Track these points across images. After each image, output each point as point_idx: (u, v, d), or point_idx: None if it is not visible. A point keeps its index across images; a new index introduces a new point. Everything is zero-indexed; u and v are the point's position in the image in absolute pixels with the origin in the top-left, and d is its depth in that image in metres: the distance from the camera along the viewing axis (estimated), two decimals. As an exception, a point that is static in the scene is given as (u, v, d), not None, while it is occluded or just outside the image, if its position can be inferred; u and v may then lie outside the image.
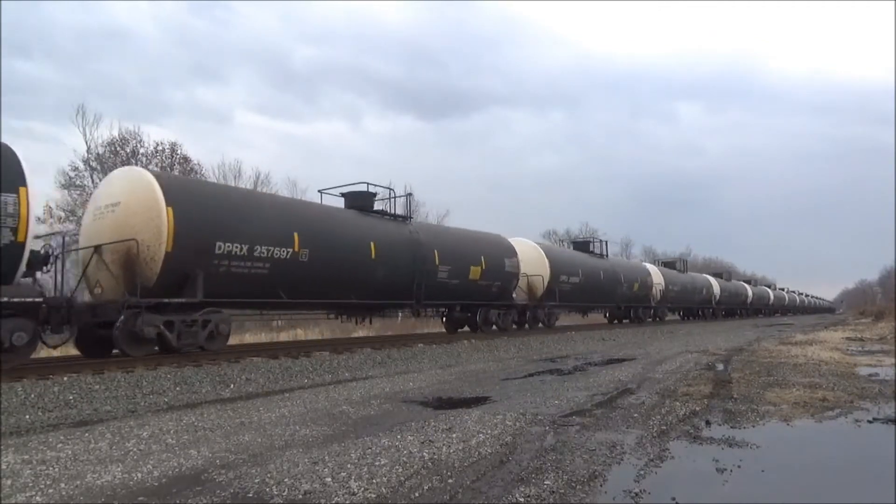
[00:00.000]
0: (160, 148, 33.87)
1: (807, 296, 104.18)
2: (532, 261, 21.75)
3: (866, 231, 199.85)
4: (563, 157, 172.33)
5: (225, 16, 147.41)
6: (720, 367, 10.12)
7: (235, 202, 12.41)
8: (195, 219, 11.05)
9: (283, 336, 23.97)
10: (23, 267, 9.22)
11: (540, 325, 22.25)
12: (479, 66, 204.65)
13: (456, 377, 9.16)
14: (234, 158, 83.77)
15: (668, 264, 39.91)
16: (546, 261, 22.18)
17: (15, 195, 8.96)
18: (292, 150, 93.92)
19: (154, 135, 72.71)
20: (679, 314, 42.18)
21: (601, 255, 28.29)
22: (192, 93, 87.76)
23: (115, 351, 10.93)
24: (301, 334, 24.37)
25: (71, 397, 7.33)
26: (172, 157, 34.11)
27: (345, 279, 13.93)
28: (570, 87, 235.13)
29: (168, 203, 10.69)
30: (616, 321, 30.79)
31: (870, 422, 5.59)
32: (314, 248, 12.96)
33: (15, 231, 8.93)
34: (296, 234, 12.65)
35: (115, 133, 32.98)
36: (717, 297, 43.62)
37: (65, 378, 8.36)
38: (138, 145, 33.16)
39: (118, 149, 32.43)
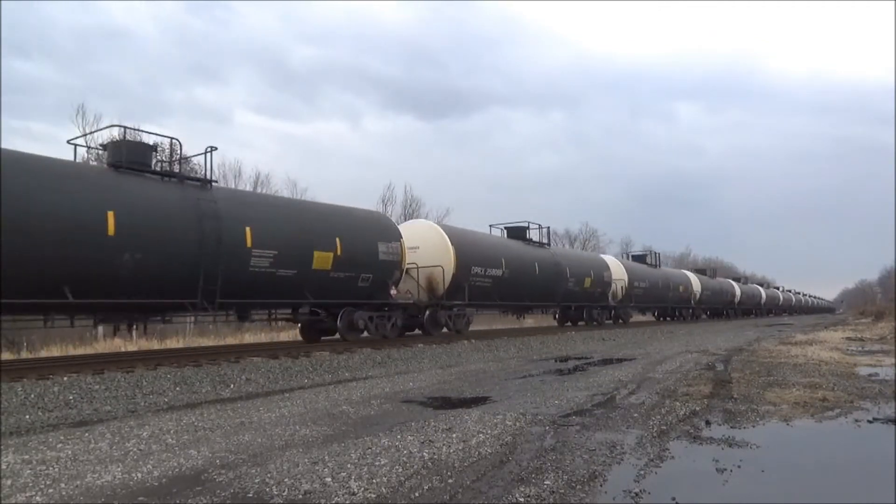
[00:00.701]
0: (160, 148, 33.87)
1: (804, 295, 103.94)
2: (431, 248, 17.41)
3: (866, 231, 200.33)
4: (563, 157, 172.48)
5: (224, 15, 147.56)
6: (720, 367, 10.12)
7: None
8: None
9: (283, 336, 23.98)
10: None
11: (444, 330, 17.97)
12: (479, 65, 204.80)
13: (456, 377, 9.16)
14: (234, 158, 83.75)
15: (637, 258, 35.62)
16: (450, 248, 17.39)
17: None
18: (292, 150, 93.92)
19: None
20: (654, 315, 38.06)
21: (541, 244, 23.36)
22: (192, 93, 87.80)
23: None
24: (301, 334, 24.35)
25: (71, 397, 7.33)
26: (172, 156, 34.13)
27: (48, 266, 9.55)
28: (570, 87, 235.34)
29: None
30: (570, 323, 26.53)
31: (870, 422, 5.58)
32: None
33: None
34: None
35: (115, 133, 32.99)
36: (698, 295, 39.49)
37: (65, 378, 8.36)
38: (138, 145, 33.15)
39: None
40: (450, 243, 17.60)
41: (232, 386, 8.58)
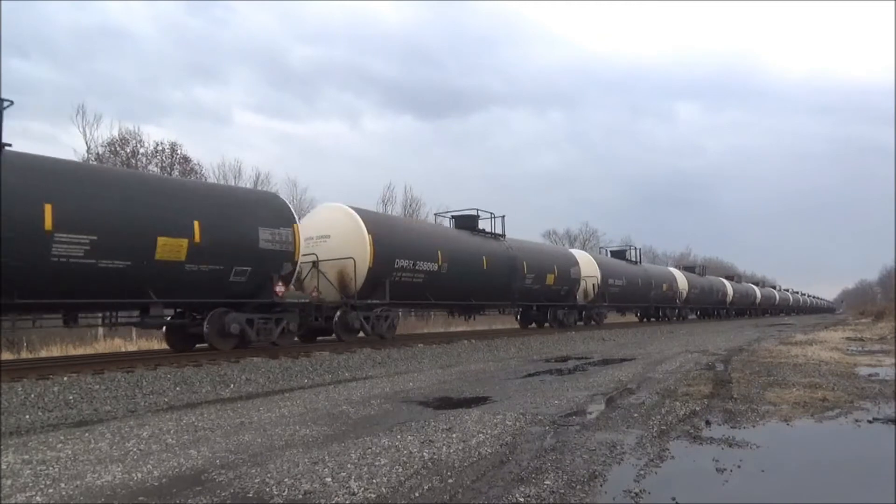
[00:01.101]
0: (160, 148, 33.93)
1: (803, 295, 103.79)
2: (343, 237, 14.80)
3: (866, 231, 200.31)
4: (563, 157, 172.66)
5: (223, 15, 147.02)
6: (720, 367, 10.12)
7: None
8: None
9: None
10: None
11: (361, 334, 15.29)
12: (478, 65, 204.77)
13: (456, 377, 9.16)
14: (234, 158, 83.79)
15: (616, 254, 32.85)
16: (366, 237, 14.66)
17: None
18: (291, 149, 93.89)
19: (153, 134, 72.70)
20: (636, 315, 35.46)
21: (494, 235, 20.40)
22: (191, 92, 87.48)
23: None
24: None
25: (71, 397, 7.33)
26: (172, 157, 34.17)
27: None
28: (569, 87, 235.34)
29: None
30: (534, 325, 23.82)
31: (870, 422, 5.58)
32: None
33: None
34: None
35: (115, 133, 33.05)
36: (685, 294, 36.74)
37: (65, 378, 8.36)
38: (138, 145, 33.24)
39: (118, 149, 32.46)
40: (366, 231, 14.81)
41: (232, 386, 8.58)
